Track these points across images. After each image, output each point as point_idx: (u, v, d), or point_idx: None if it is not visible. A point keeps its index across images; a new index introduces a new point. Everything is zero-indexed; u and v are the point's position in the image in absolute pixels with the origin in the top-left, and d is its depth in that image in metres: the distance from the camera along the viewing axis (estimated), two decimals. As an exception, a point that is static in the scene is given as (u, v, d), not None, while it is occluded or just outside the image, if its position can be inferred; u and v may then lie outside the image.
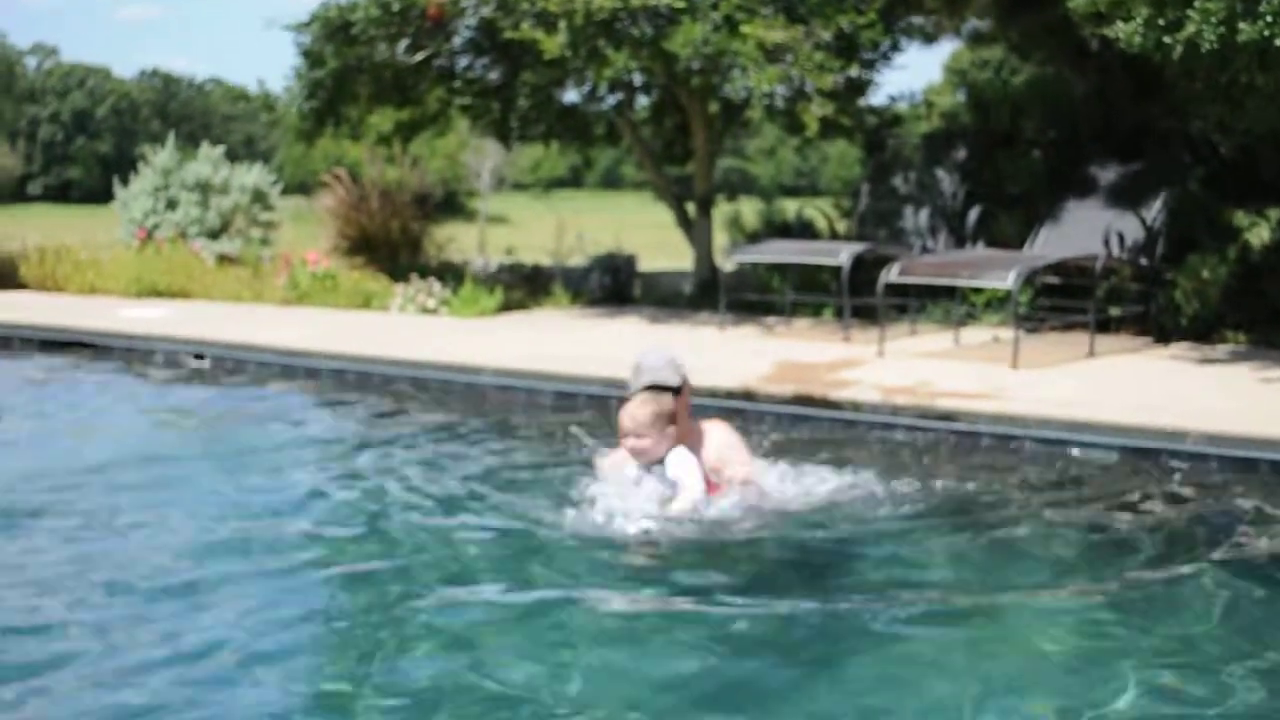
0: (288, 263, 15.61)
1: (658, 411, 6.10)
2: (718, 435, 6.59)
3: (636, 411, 6.09)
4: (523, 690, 4.46)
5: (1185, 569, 5.85)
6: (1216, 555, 6.08)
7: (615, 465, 6.46)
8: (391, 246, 16.29)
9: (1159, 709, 4.36)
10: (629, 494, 6.18)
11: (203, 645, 4.86)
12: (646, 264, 15.73)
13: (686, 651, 4.78)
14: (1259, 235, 12.05)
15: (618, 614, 5.28)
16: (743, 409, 9.23)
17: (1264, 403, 8.56)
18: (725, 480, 6.38)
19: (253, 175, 18.85)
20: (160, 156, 18.68)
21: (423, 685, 4.52)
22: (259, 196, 18.74)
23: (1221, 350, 10.62)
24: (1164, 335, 11.12)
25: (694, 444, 6.34)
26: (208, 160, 18.80)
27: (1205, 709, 4.35)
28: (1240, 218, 11.90)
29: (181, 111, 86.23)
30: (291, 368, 11.39)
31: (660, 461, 6.17)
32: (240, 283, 15.77)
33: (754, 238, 14.75)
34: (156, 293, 15.71)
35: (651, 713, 4.28)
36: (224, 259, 17.38)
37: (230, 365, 11.76)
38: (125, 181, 18.98)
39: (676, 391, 6.31)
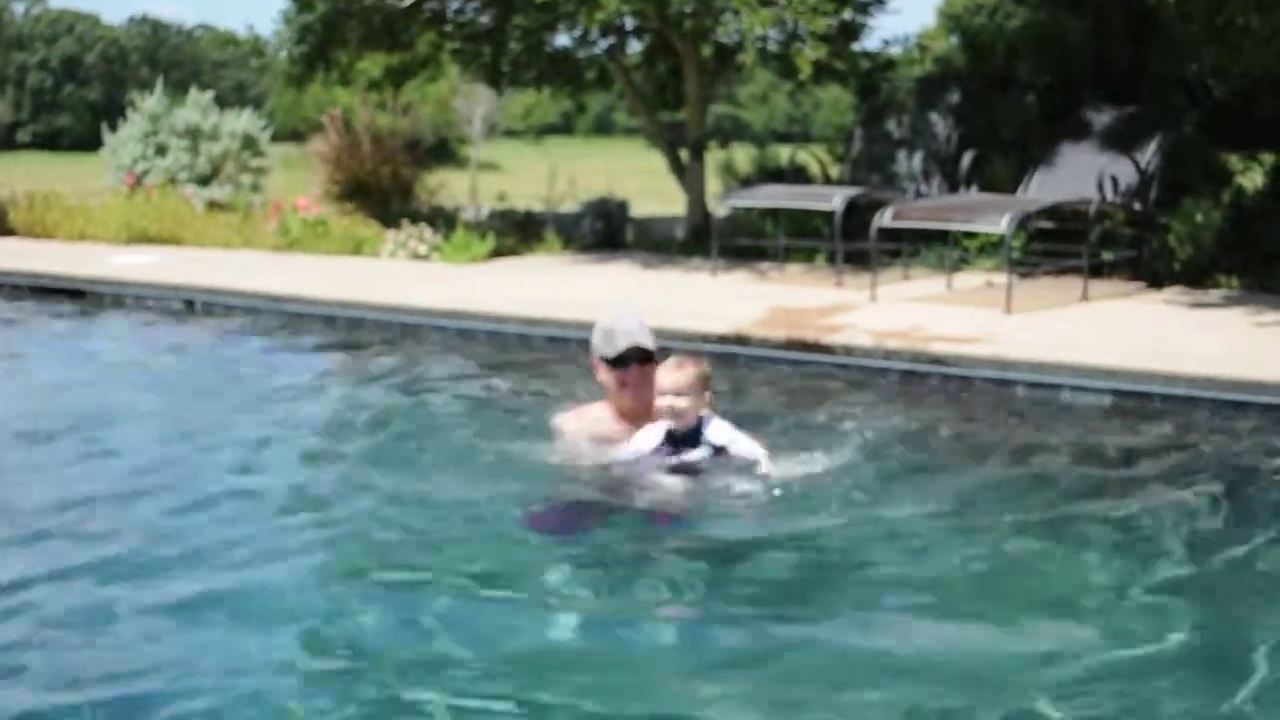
0: (278, 209, 15.53)
1: (701, 373, 5.61)
2: None
3: (677, 375, 5.56)
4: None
5: (1178, 512, 5.85)
6: (1209, 496, 6.08)
7: (580, 428, 5.99)
8: (383, 192, 16.20)
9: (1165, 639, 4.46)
10: (715, 467, 5.60)
11: (172, 593, 4.85)
12: (639, 209, 15.66)
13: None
14: (1253, 179, 12.02)
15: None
16: (735, 354, 9.22)
17: (1256, 347, 8.55)
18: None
19: (243, 121, 18.72)
20: (149, 102, 18.55)
21: (375, 647, 4.48)
22: (249, 142, 18.63)
23: (1215, 295, 10.60)
24: (1157, 280, 11.09)
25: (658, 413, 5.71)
26: (197, 106, 18.67)
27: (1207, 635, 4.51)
28: (1235, 162, 11.87)
29: (171, 58, 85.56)
30: (282, 314, 11.36)
31: (693, 430, 5.62)
32: (230, 229, 15.68)
33: (747, 183, 14.69)
34: (146, 239, 15.62)
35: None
36: (214, 205, 17.29)
37: (220, 311, 11.71)
38: (114, 128, 18.86)
39: (653, 357, 5.85)
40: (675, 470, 5.59)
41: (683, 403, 5.55)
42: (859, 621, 4.61)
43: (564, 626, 4.58)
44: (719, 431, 5.65)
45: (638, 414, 5.82)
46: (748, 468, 5.62)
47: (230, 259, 14.06)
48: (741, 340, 9.30)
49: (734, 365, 9.11)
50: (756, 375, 8.92)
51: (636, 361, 5.84)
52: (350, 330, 10.85)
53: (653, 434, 5.67)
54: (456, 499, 5.77)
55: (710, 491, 5.56)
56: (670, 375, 5.58)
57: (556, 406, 6.64)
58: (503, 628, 4.52)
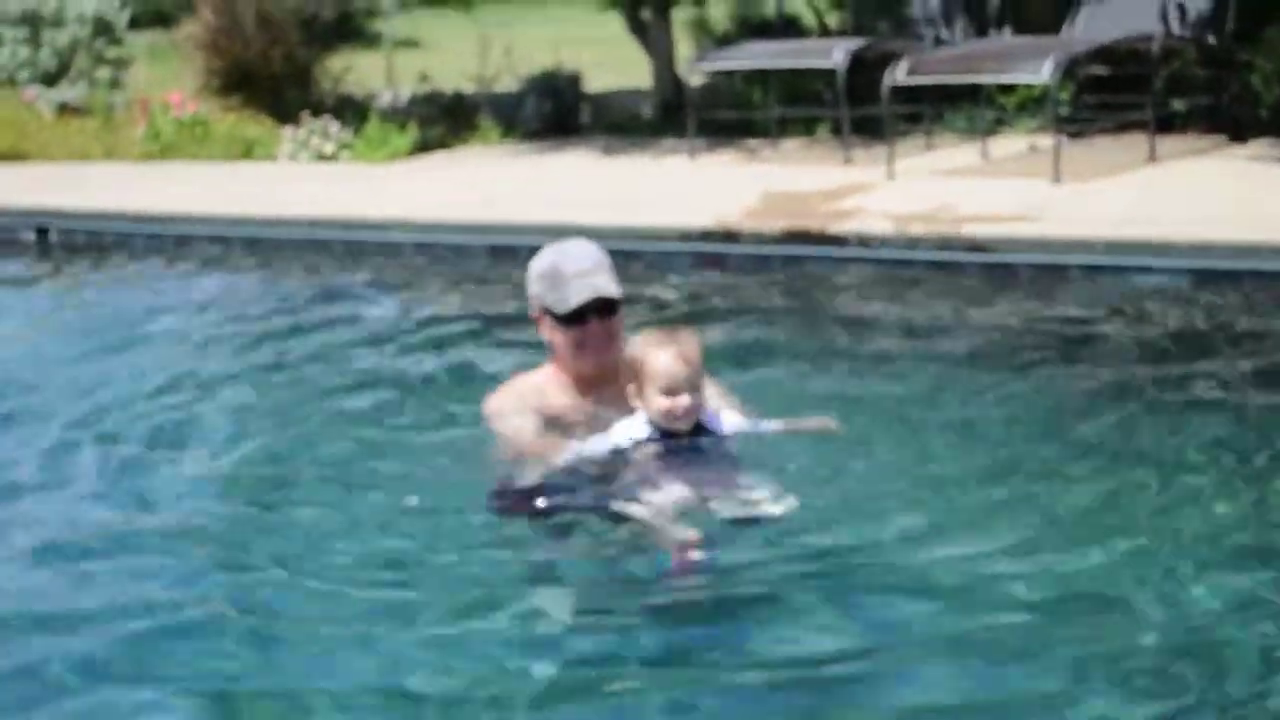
0: (146, 109, 15.38)
1: (699, 352, 4.87)
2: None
3: (686, 362, 4.79)
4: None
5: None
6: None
7: (521, 406, 5.23)
8: (274, 81, 16.03)
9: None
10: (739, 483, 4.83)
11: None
12: (594, 84, 15.54)
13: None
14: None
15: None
16: (723, 253, 9.16)
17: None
18: None
19: (93, 2, 18.49)
20: (-32, -17, 18.30)
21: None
22: (103, 29, 18.38)
23: (1311, 146, 10.59)
24: (1240, 131, 11.04)
25: (624, 376, 5.02)
26: (31, -15, 18.43)
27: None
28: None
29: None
30: (158, 236, 11.23)
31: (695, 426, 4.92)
32: (88, 137, 15.54)
33: (725, 41, 14.57)
34: (-20, 155, 15.49)
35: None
36: (65, 109, 17.08)
37: (81, 238, 11.58)
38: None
39: (618, 306, 5.16)
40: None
41: (698, 399, 4.86)
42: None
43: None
44: (726, 422, 5.00)
45: (598, 380, 5.17)
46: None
47: (90, 174, 13.90)
48: (730, 236, 9.23)
49: (721, 267, 9.04)
50: (750, 280, 8.86)
51: (598, 315, 5.13)
52: (245, 251, 10.76)
53: (630, 433, 4.95)
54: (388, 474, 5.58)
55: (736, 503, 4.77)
56: (676, 364, 4.79)
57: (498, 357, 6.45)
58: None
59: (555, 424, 5.18)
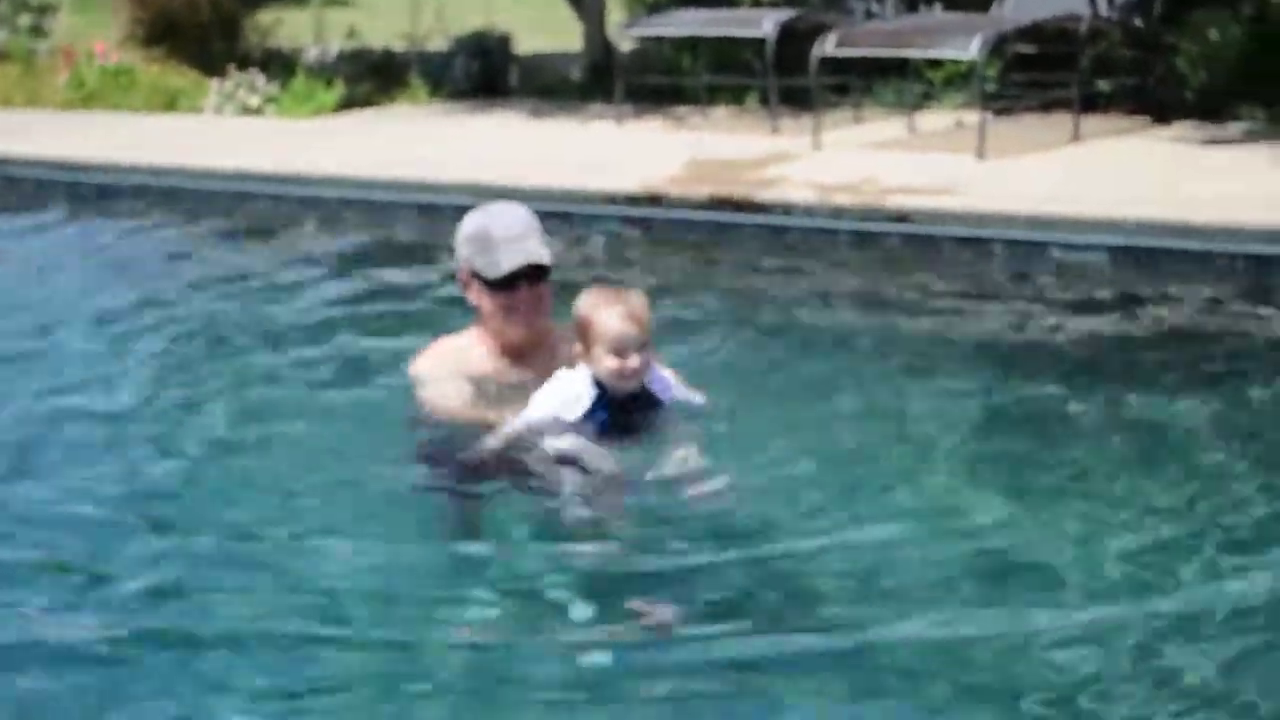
0: (70, 57, 15.31)
1: (648, 311, 4.77)
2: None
3: (636, 321, 4.69)
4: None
5: (1192, 398, 5.90)
6: (1235, 375, 6.19)
7: (448, 371, 5.13)
8: (201, 32, 15.96)
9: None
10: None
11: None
12: (524, 46, 15.52)
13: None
14: (1281, -14, 12.07)
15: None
16: (648, 218, 9.22)
17: (1285, 189, 8.66)
18: None
19: (17, -54, 18.32)
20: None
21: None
22: (27, -27, 18.23)
23: (1234, 129, 10.68)
24: (1164, 113, 11.14)
25: (559, 348, 5.01)
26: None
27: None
28: (1258, -36, 11.90)
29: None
30: (79, 185, 11.22)
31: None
32: (9, 83, 15.45)
33: (656, 8, 14.56)
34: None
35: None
36: (-14, 55, 16.97)
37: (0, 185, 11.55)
38: None
39: (548, 271, 5.09)
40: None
41: (647, 358, 4.74)
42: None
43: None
44: (668, 384, 4.92)
45: (525, 346, 5.12)
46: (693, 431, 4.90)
47: (10, 121, 13.84)
48: (655, 200, 9.30)
49: (647, 230, 9.10)
50: (673, 244, 8.92)
51: (528, 281, 5.04)
52: (166, 204, 10.74)
53: (574, 389, 4.80)
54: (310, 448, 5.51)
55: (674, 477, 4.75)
56: (626, 324, 4.68)
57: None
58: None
59: (480, 389, 5.08)
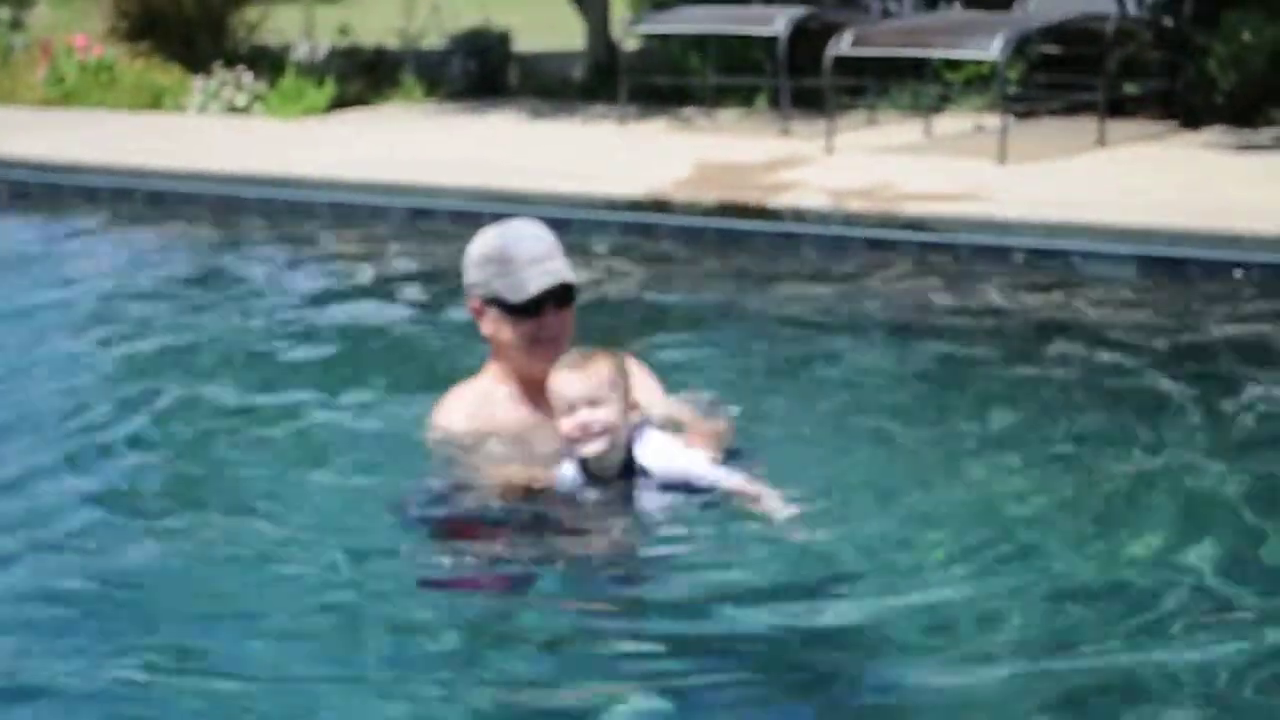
0: (48, 51, 15.21)
1: (616, 365, 4.57)
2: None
3: (584, 376, 4.50)
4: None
5: (1228, 409, 5.88)
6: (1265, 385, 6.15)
7: (476, 425, 4.85)
8: (187, 27, 15.92)
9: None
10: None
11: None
12: (524, 44, 15.51)
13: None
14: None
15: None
16: (653, 224, 9.18)
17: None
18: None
19: (-8, -66, 18.33)
20: None
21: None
22: (5, -35, 18.25)
23: (1266, 134, 10.66)
24: (1194, 117, 11.12)
25: None
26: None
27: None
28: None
29: None
30: (57, 187, 11.18)
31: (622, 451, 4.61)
32: (-16, 79, 15.36)
33: (662, 4, 14.55)
34: None
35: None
36: (-40, 50, 16.96)
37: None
38: None
39: (575, 292, 4.83)
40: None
41: (607, 413, 4.50)
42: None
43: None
44: (660, 452, 4.63)
45: (544, 384, 4.70)
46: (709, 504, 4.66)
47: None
48: (661, 206, 9.27)
49: (652, 239, 9.06)
50: (681, 253, 8.89)
51: (555, 304, 4.75)
52: (149, 206, 10.71)
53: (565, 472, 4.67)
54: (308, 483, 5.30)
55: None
56: (563, 380, 4.51)
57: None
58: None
59: (504, 440, 4.83)
